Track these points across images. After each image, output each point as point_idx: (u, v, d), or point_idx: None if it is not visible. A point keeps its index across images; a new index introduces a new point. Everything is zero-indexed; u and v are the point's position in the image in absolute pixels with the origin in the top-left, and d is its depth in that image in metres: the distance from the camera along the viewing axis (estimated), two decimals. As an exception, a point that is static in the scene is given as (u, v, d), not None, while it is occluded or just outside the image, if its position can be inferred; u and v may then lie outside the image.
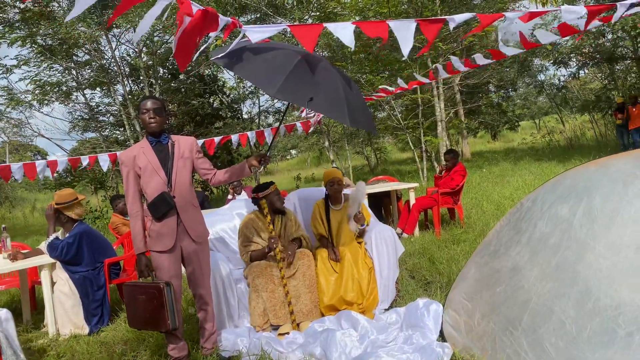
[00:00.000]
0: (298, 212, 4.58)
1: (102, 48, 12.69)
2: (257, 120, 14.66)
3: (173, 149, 3.23)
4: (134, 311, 3.11)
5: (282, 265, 3.80)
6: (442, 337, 3.23)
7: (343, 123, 3.00)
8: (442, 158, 11.83)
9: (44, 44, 12.15)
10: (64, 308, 4.34)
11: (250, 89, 15.14)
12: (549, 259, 2.85)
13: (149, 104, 3.14)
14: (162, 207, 3.11)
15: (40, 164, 7.75)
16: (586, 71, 17.86)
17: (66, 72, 13.51)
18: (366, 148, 19.36)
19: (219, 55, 2.99)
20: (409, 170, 15.60)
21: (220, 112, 14.85)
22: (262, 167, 3.36)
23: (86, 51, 12.27)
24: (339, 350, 2.99)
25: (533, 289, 2.82)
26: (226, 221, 4.44)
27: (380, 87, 7.56)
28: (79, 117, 14.16)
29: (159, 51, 11.92)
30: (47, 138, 12.40)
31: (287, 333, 3.64)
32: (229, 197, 7.62)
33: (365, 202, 4.15)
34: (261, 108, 14.87)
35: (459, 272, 4.30)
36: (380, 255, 3.99)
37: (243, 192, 7.55)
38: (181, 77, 13.76)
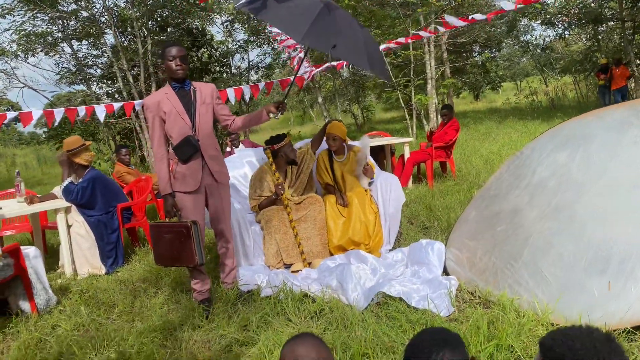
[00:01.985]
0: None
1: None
2: (246, 76, 14.60)
3: (195, 94, 3.37)
4: (161, 249, 3.31)
5: (289, 210, 4.04)
6: (445, 272, 3.52)
7: (364, 69, 3.16)
8: (431, 117, 12.10)
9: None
10: (81, 249, 4.53)
11: (239, 44, 15.06)
12: (548, 200, 3.13)
13: (174, 51, 3.25)
14: (187, 149, 3.27)
15: (37, 113, 7.73)
16: (570, 32, 18.05)
17: (51, 22, 13.17)
18: (353, 106, 19.46)
19: (243, 1, 3.09)
20: (398, 128, 15.82)
21: (209, 67, 14.74)
22: (279, 114, 3.50)
23: (73, 0, 11.98)
24: (354, 282, 3.26)
25: (533, 227, 3.11)
26: (237, 168, 4.63)
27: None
28: (65, 70, 13.90)
29: (149, 1, 11.69)
30: (35, 90, 12.20)
31: (300, 270, 3.91)
32: (227, 149, 7.75)
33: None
34: (250, 63, 14.83)
35: (456, 218, 4.60)
36: (385, 200, 4.23)
37: (241, 145, 7.69)
38: (169, 29, 13.55)
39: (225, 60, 15.01)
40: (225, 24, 14.54)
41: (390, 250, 4.14)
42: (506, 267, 3.07)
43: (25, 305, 3.56)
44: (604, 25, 16.00)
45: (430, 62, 11.50)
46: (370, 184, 4.40)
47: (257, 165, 4.82)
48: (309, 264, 4.02)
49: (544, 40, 20.12)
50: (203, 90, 3.42)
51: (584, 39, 18.82)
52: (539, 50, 19.61)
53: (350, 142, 4.64)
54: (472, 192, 5.67)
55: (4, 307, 3.64)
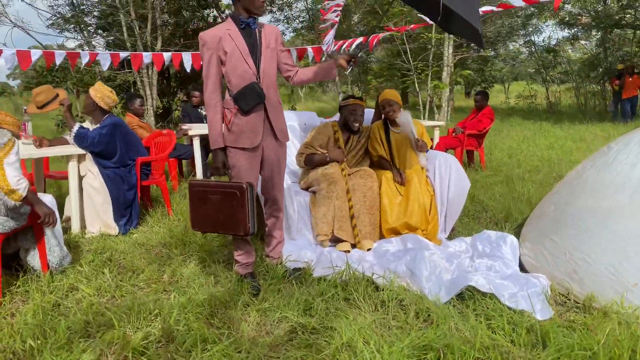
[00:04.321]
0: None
1: None
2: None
3: (260, 35, 2.87)
4: (204, 213, 2.83)
5: (346, 179, 3.61)
6: (522, 269, 3.14)
7: (474, 24, 2.71)
8: (443, 105, 11.72)
9: None
10: (93, 204, 4.00)
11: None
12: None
13: None
14: (252, 98, 2.79)
15: (35, 52, 7.05)
16: (582, 35, 17.82)
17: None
18: (353, 89, 18.92)
19: None
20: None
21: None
22: (350, 69, 3.02)
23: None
24: (429, 270, 2.84)
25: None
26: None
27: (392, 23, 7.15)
28: (59, 15, 12.99)
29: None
30: (27, 32, 11.30)
31: (348, 251, 3.47)
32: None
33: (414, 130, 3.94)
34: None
35: (506, 210, 4.24)
36: (443, 183, 3.81)
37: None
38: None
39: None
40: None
41: (447, 239, 3.73)
42: (607, 269, 2.69)
43: (35, 262, 3.04)
44: (613, 32, 15.81)
45: (449, 49, 11.09)
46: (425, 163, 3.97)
47: (298, 129, 4.35)
48: (355, 244, 3.58)
49: (549, 42, 19.86)
50: (268, 32, 2.93)
51: (594, 45, 18.63)
52: (544, 53, 19.33)
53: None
54: (511, 185, 5.31)
55: (11, 261, 3.12)
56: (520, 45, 22.13)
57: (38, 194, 3.02)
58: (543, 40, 19.67)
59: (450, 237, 3.78)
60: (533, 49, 19.58)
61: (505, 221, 4.07)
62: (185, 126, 5.90)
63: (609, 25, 14.07)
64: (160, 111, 13.45)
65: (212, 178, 2.94)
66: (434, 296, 2.68)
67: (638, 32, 15.08)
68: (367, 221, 3.63)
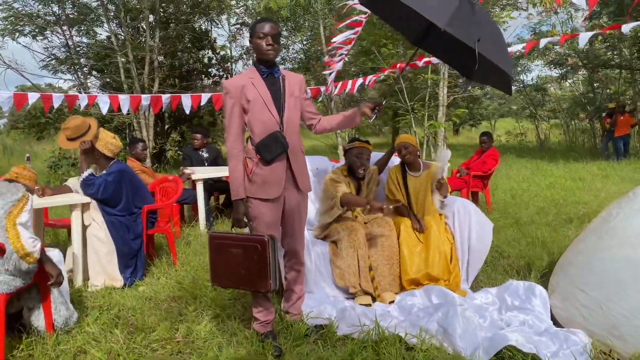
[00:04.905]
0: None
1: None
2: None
3: (284, 83, 2.80)
4: (224, 267, 2.69)
5: (366, 230, 3.48)
6: (555, 323, 2.99)
7: (508, 72, 2.66)
8: (439, 144, 11.74)
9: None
10: (98, 255, 3.82)
11: (243, 50, 14.42)
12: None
13: (267, 27, 2.68)
14: (275, 148, 2.69)
15: (33, 96, 6.95)
16: (570, 76, 18.20)
17: (44, 3, 12.30)
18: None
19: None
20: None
21: (210, 70, 14.06)
22: (374, 117, 2.92)
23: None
24: (463, 328, 2.69)
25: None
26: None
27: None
28: (52, 57, 12.95)
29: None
30: (20, 72, 11.21)
31: (369, 305, 3.30)
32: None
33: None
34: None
35: (524, 256, 4.12)
36: (463, 230, 3.70)
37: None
38: (172, 26, 12.84)
39: (226, 65, 14.33)
40: (234, 27, 13.94)
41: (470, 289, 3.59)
42: (650, 325, 2.56)
43: (40, 322, 2.84)
44: (600, 72, 16.16)
45: (444, 89, 11.19)
46: (442, 206, 3.87)
47: (310, 175, 4.23)
48: (375, 297, 3.42)
49: (537, 81, 20.22)
50: (291, 79, 2.85)
51: (584, 83, 19.01)
52: (533, 91, 19.69)
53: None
54: (522, 229, 5.21)
55: (14, 322, 2.91)
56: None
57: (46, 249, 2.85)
58: (532, 79, 20.05)
59: (473, 287, 3.63)
60: (522, 87, 19.98)
61: (527, 270, 3.93)
62: (188, 170, 5.77)
63: (597, 65, 14.37)
64: (155, 151, 13.34)
65: (233, 230, 2.80)
66: (471, 356, 2.53)
67: (624, 72, 15.41)
68: (386, 272, 3.48)
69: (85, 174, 3.89)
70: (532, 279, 3.70)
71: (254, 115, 2.70)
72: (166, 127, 13.96)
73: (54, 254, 2.96)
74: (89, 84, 13.07)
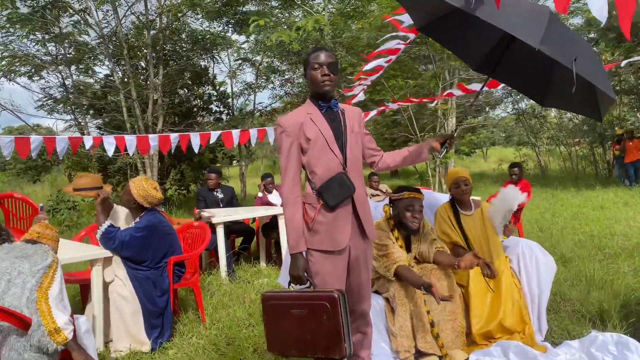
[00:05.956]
0: None
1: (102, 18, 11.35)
2: (250, 118, 13.65)
3: (344, 118, 2.48)
4: (283, 331, 2.30)
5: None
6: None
7: (609, 95, 2.37)
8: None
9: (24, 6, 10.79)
10: (122, 316, 3.40)
11: (244, 86, 14.23)
12: None
13: (322, 56, 2.38)
14: (341, 192, 2.35)
15: (35, 139, 6.59)
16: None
17: (41, 44, 12.08)
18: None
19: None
20: (414, 184, 15.11)
21: (211, 106, 13.81)
22: (445, 152, 2.60)
23: (73, 22, 10.99)
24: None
25: None
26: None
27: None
28: (48, 96, 12.65)
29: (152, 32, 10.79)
30: (16, 114, 10.85)
31: (437, 365, 2.91)
32: (259, 194, 6.75)
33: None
34: (256, 107, 13.87)
35: (583, 298, 3.76)
36: (530, 275, 3.34)
37: (274, 191, 6.71)
38: (171, 63, 12.63)
39: (227, 101, 14.09)
40: (234, 63, 13.76)
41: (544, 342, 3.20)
42: None
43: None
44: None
45: (452, 119, 11.04)
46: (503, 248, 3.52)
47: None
48: (442, 357, 3.01)
49: (535, 108, 20.21)
50: (350, 114, 2.54)
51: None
52: (532, 119, 19.68)
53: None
54: (573, 265, 4.86)
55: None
56: (509, 112, 22.62)
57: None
58: (530, 106, 20.09)
59: (547, 339, 3.25)
60: (521, 113, 19.97)
61: (599, 316, 3.56)
62: (206, 213, 5.39)
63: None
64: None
65: (291, 287, 2.42)
66: None
67: (627, 97, 15.39)
68: (449, 328, 3.07)
69: (105, 225, 3.50)
70: (610, 327, 3.32)
71: (314, 155, 2.37)
72: (166, 165, 13.60)
73: (80, 321, 2.56)
74: (88, 124, 12.76)
